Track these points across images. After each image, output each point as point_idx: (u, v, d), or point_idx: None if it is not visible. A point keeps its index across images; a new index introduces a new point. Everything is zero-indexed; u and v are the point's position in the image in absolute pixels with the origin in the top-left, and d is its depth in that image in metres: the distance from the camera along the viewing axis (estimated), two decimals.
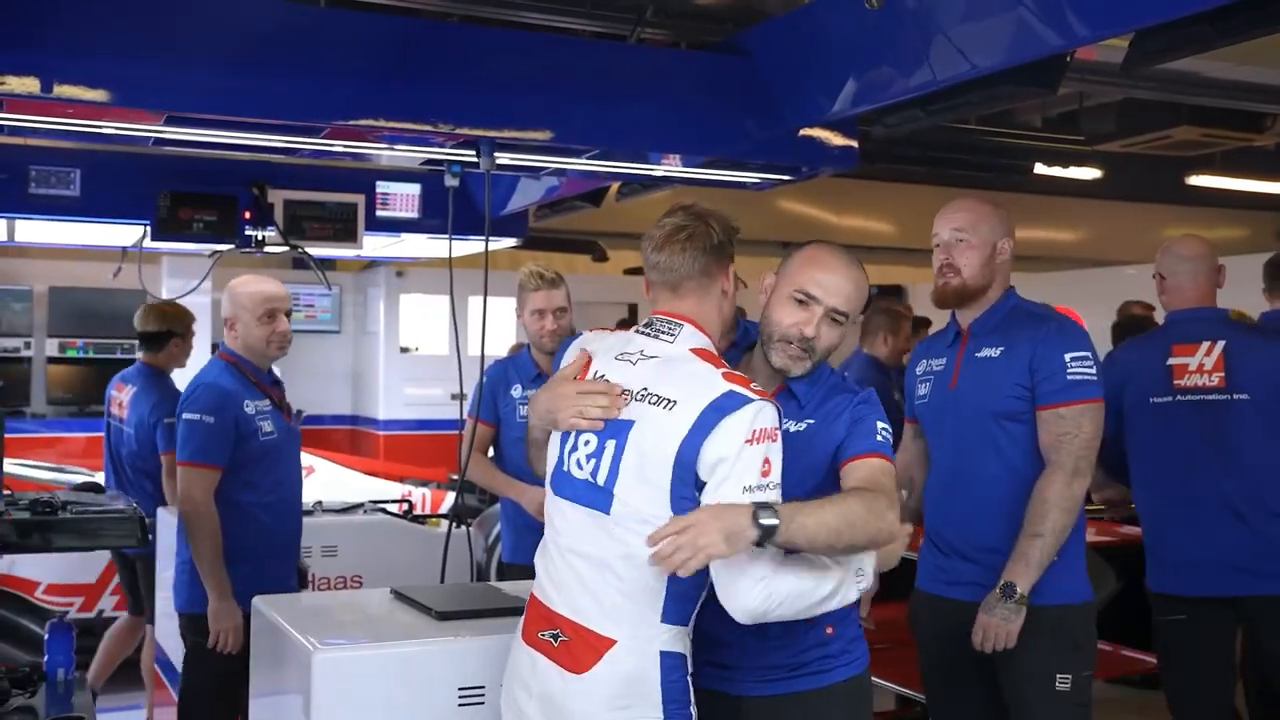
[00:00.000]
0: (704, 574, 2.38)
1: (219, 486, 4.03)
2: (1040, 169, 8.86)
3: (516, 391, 4.54)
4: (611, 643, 2.41)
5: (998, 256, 3.39)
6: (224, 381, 4.11)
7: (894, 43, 4.01)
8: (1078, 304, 8.97)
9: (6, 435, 4.15)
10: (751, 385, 2.42)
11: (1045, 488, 3.21)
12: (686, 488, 2.37)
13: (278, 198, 6.00)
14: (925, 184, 9.86)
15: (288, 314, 4.27)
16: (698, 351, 2.51)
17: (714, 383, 2.40)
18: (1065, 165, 8.75)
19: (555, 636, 2.47)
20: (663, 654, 2.42)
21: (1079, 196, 11.24)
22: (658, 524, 2.33)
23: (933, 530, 3.52)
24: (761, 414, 2.36)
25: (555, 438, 2.62)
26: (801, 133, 4.70)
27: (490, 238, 4.66)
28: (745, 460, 2.33)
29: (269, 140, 4.47)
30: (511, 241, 7.32)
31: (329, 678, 2.79)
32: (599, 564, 2.44)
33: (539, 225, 7.69)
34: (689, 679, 2.46)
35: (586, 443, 2.51)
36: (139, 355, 5.79)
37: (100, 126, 4.26)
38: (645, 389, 2.46)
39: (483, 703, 2.87)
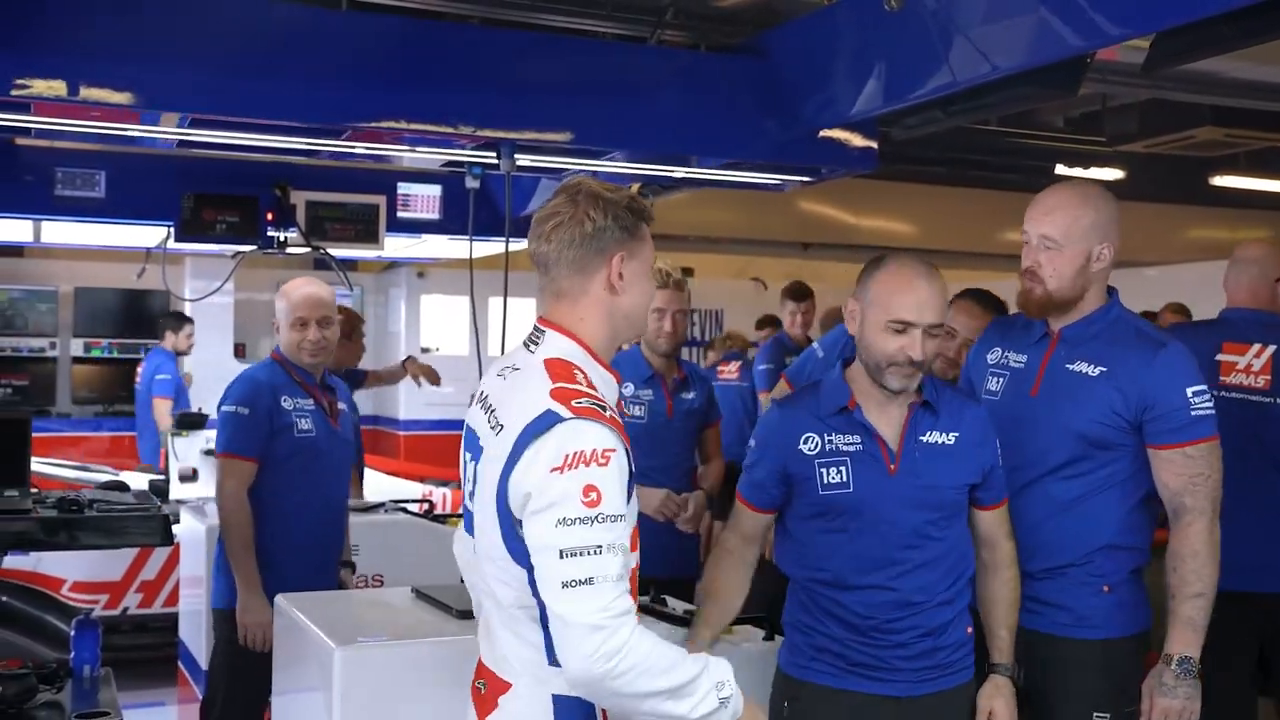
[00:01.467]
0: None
1: (256, 482, 3.99)
2: (1061, 170, 8.84)
3: (629, 390, 4.27)
4: (508, 686, 2.17)
5: (1094, 264, 2.92)
6: (263, 375, 4.08)
7: (913, 44, 4.01)
8: None
9: (33, 434, 4.21)
10: (573, 403, 2.05)
11: (1193, 539, 2.82)
12: (510, 528, 2.08)
13: (300, 199, 6.05)
14: (946, 184, 9.85)
15: (322, 322, 4.09)
16: (550, 363, 2.15)
17: (538, 400, 2.06)
18: (1086, 166, 8.72)
19: (482, 685, 2.24)
20: (555, 698, 2.12)
21: None
22: (501, 565, 2.11)
23: None
24: (578, 435, 2.01)
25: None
26: (821, 134, 4.71)
27: (511, 239, 4.68)
28: (558, 491, 1.99)
29: (291, 142, 4.51)
30: None
31: (351, 675, 2.81)
32: (494, 604, 2.19)
33: None
34: None
35: (472, 471, 2.23)
36: None
37: (125, 129, 4.30)
38: (494, 409, 2.16)
39: None
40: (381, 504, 5.57)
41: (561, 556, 1.98)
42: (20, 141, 5.58)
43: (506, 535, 2.08)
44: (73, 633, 3.61)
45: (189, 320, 9.34)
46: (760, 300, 11.64)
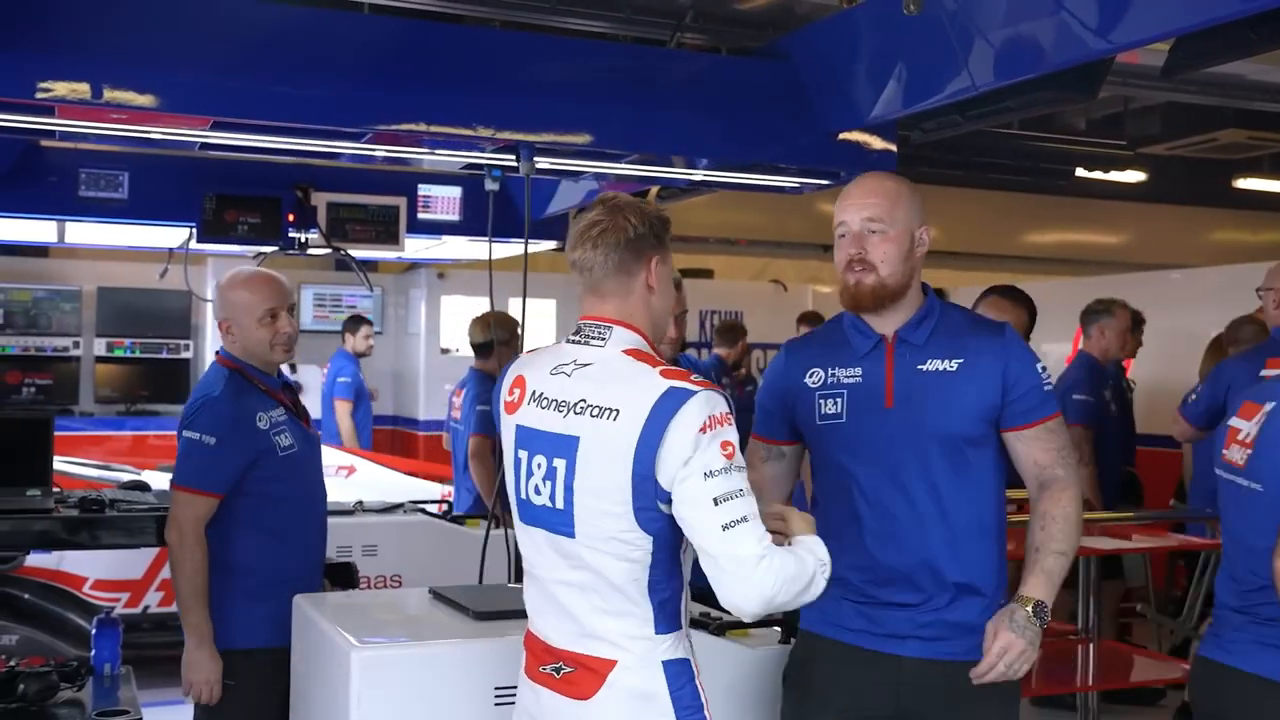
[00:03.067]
0: (680, 578, 2.38)
1: (239, 514, 3.54)
2: (1081, 173, 8.81)
3: None
4: (612, 664, 2.35)
5: (917, 248, 2.79)
6: (227, 395, 3.55)
7: (933, 48, 4.01)
8: None
9: (55, 433, 4.24)
10: (692, 377, 2.31)
11: (1066, 503, 2.75)
12: (648, 499, 2.28)
13: (321, 200, 6.07)
14: (966, 188, 9.83)
15: (291, 310, 3.71)
16: (631, 353, 2.39)
17: (653, 383, 2.29)
18: (1107, 169, 8.68)
19: (557, 669, 2.41)
20: (665, 664, 2.35)
21: (1123, 199, 11.15)
22: (625, 540, 2.30)
23: (859, 573, 2.78)
24: (711, 402, 2.27)
25: (509, 464, 2.50)
26: (840, 137, 4.71)
27: (530, 240, 4.69)
28: (704, 450, 2.23)
29: (312, 145, 4.53)
30: (552, 244, 7.36)
31: (367, 676, 2.82)
32: (579, 589, 2.37)
33: None
34: (697, 683, 2.39)
35: (538, 466, 2.40)
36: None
37: (148, 131, 4.33)
38: (584, 400, 2.34)
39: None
40: (401, 504, 5.60)
41: (716, 504, 2.22)
42: (45, 143, 5.62)
43: (640, 507, 2.28)
44: (93, 631, 3.63)
45: (367, 322, 9.68)
46: (780, 301, 11.62)
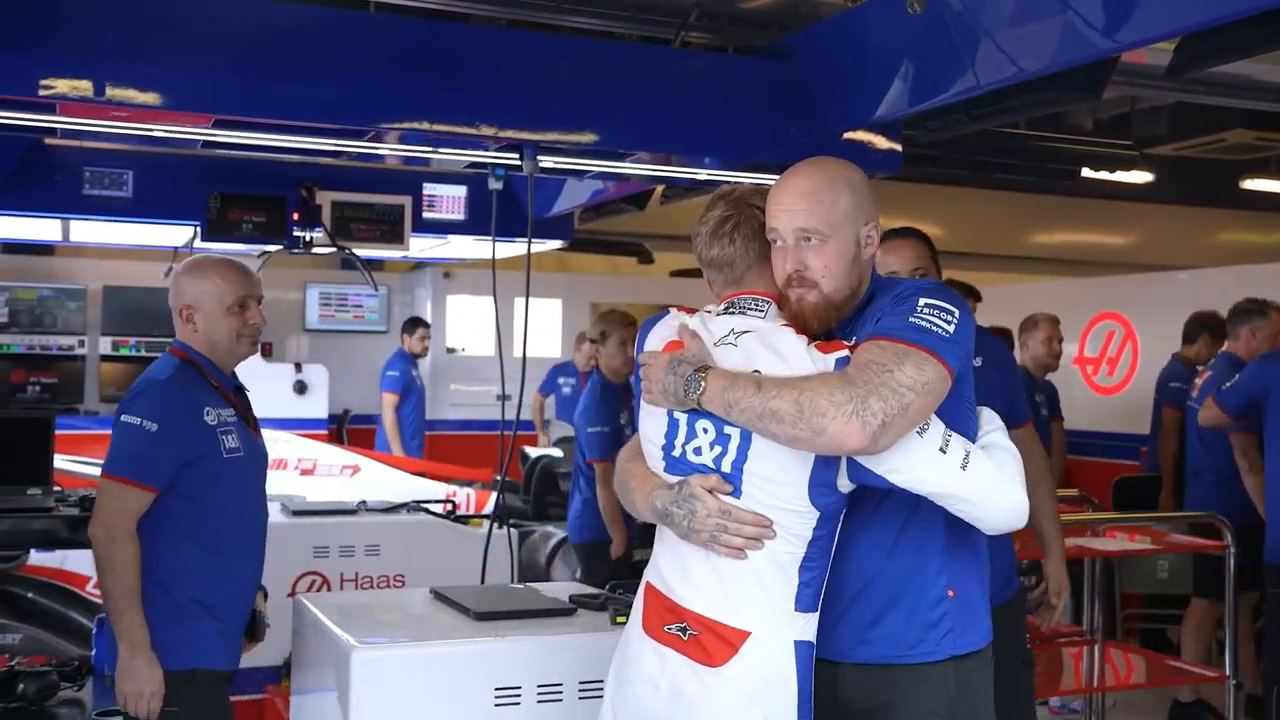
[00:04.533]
0: (829, 560, 2.35)
1: (168, 519, 3.20)
2: (1088, 173, 8.79)
3: None
4: (745, 635, 2.30)
5: (865, 250, 2.45)
6: (175, 383, 3.26)
7: (937, 47, 4.00)
8: (1129, 309, 8.91)
9: (59, 432, 4.24)
10: (846, 344, 2.32)
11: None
12: (828, 473, 2.28)
13: (325, 199, 6.07)
14: (972, 188, 9.81)
15: (259, 301, 3.44)
16: (790, 326, 2.39)
17: (819, 360, 2.29)
18: (1113, 169, 8.66)
19: (684, 630, 2.35)
20: (797, 644, 2.32)
21: (1130, 200, 11.13)
22: (797, 508, 2.30)
23: None
24: None
25: (656, 419, 2.46)
26: (845, 136, 4.70)
27: (535, 239, 4.69)
28: None
29: (316, 143, 4.52)
30: (557, 243, 7.36)
31: (368, 675, 2.81)
32: (729, 558, 2.32)
33: (584, 227, 7.73)
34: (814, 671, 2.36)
35: (705, 430, 2.36)
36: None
37: (151, 130, 4.33)
38: (757, 370, 2.31)
39: (519, 703, 2.89)
40: (404, 504, 5.59)
41: (944, 451, 2.25)
42: (49, 142, 5.63)
43: (817, 482, 2.28)
44: (95, 630, 3.63)
45: (424, 324, 9.84)
46: None
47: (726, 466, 2.34)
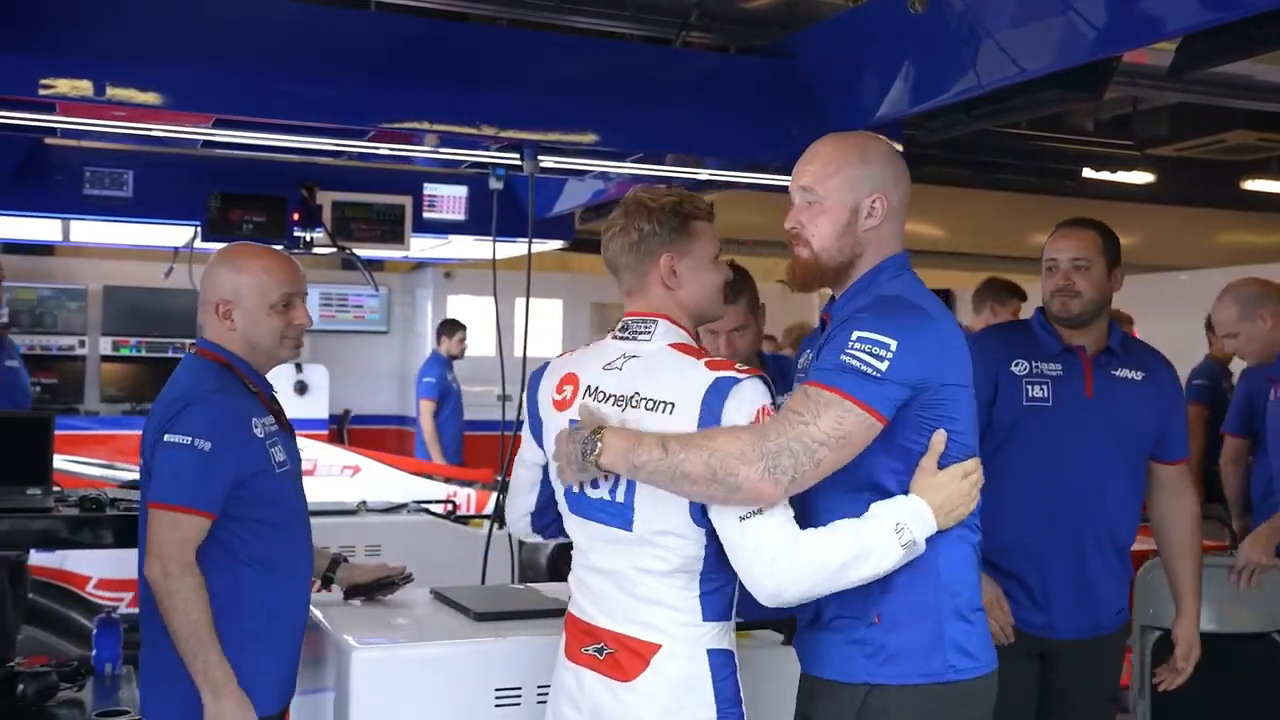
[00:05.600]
0: (732, 570, 2.35)
1: (218, 546, 2.82)
2: (1089, 173, 8.78)
3: None
4: (656, 648, 2.36)
5: (863, 221, 2.46)
6: (220, 393, 2.89)
7: (938, 47, 4.00)
8: (1131, 310, 8.89)
9: (59, 432, 4.23)
10: (736, 366, 2.34)
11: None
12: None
13: (326, 199, 6.06)
14: (973, 188, 9.81)
15: (304, 298, 3.07)
16: (676, 346, 2.43)
17: (701, 375, 2.33)
18: (1114, 170, 8.66)
19: (600, 650, 2.42)
20: (710, 653, 2.37)
21: (1131, 201, 11.12)
22: (681, 535, 2.33)
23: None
24: (755, 390, 2.30)
25: (552, 461, 2.52)
26: None
27: (536, 240, 4.68)
28: None
29: (317, 143, 4.52)
30: (557, 244, 7.35)
31: (367, 676, 2.81)
32: (629, 575, 2.40)
33: (585, 227, 7.71)
34: (737, 676, 2.41)
35: None
36: None
37: (151, 129, 4.32)
38: (637, 393, 2.39)
39: (519, 704, 2.89)
40: (405, 504, 5.59)
41: None
42: (49, 141, 5.62)
43: (694, 504, 2.30)
44: (95, 630, 3.63)
45: (462, 326, 9.70)
46: (788, 301, 11.59)
47: (620, 496, 2.40)
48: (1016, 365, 3.42)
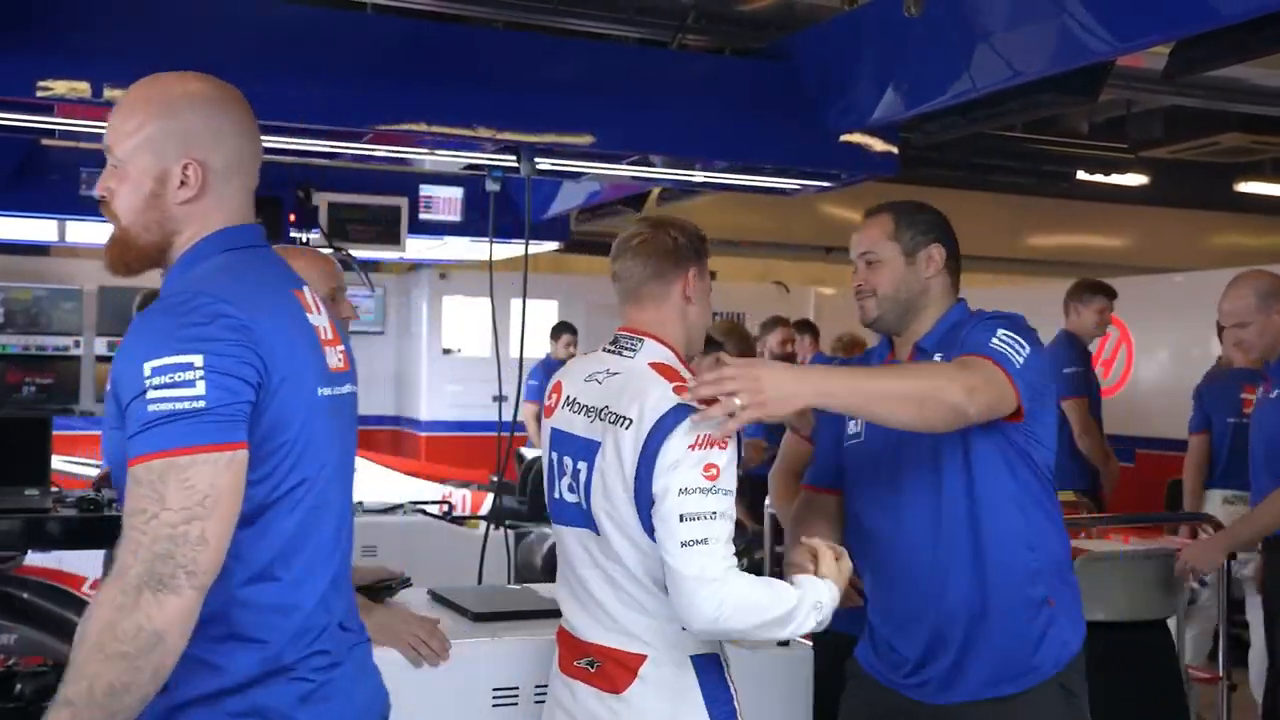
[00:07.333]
0: None
1: None
2: (1083, 176, 8.80)
3: None
4: (642, 658, 2.41)
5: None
6: None
7: (935, 50, 4.01)
8: (1125, 311, 8.91)
9: (55, 433, 4.24)
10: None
11: None
12: (645, 506, 2.33)
13: (322, 200, 6.08)
14: (968, 190, 9.81)
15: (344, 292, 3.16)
16: (656, 366, 2.46)
17: (665, 398, 2.35)
18: (1109, 172, 8.68)
19: (591, 663, 2.47)
20: (694, 659, 2.42)
21: (1126, 203, 11.14)
22: (639, 539, 2.35)
23: None
24: (704, 424, 2.28)
25: (545, 465, 2.61)
26: (842, 139, 4.71)
27: (531, 241, 4.69)
28: (685, 462, 2.27)
29: (313, 145, 4.52)
30: (553, 245, 7.37)
31: None
32: (609, 583, 2.44)
33: (581, 229, 7.73)
34: (726, 676, 2.46)
35: (568, 467, 2.51)
36: None
37: None
38: (607, 407, 2.44)
39: (516, 703, 2.90)
40: (401, 505, 5.59)
41: (680, 520, 2.26)
42: (46, 142, 5.62)
43: (643, 513, 2.33)
44: None
45: (570, 329, 9.50)
46: (782, 303, 11.61)
47: (583, 501, 2.46)
48: None
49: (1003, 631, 2.59)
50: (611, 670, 2.43)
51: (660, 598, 2.38)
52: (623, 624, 2.43)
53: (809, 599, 2.34)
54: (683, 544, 2.25)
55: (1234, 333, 4.40)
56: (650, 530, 2.33)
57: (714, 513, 2.28)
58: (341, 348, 2.12)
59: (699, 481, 2.27)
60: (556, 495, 2.54)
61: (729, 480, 2.31)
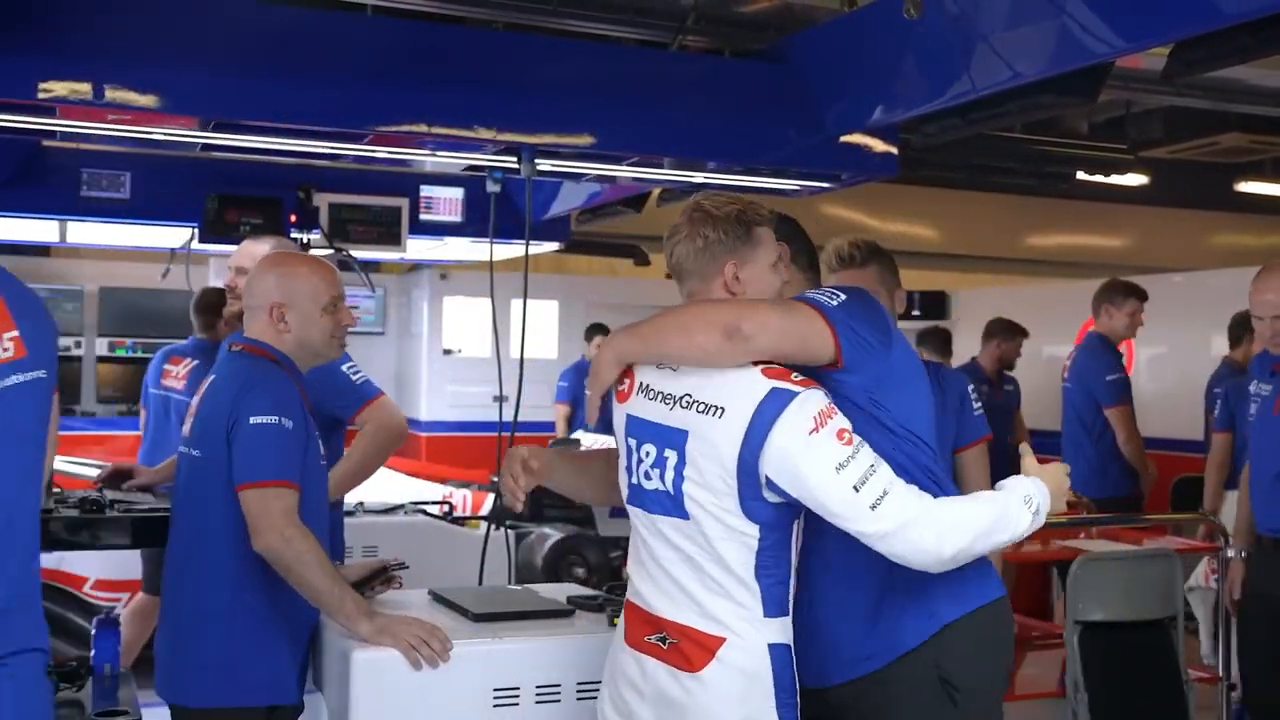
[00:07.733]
0: (788, 564, 2.47)
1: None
2: (1083, 176, 8.80)
3: None
4: (721, 640, 2.43)
5: None
6: (286, 380, 3.04)
7: (934, 51, 4.02)
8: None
9: (57, 433, 4.24)
10: (792, 377, 2.42)
11: None
12: (754, 489, 2.39)
13: (323, 201, 6.09)
14: (968, 190, 9.82)
15: (345, 299, 3.24)
16: None
17: (756, 383, 2.40)
18: (1108, 173, 8.67)
19: (663, 639, 2.49)
20: (771, 647, 2.45)
21: (1125, 203, 11.15)
22: (735, 524, 2.40)
23: None
24: (809, 401, 2.37)
25: (621, 450, 2.63)
26: (841, 140, 4.71)
27: (532, 241, 4.70)
28: (820, 447, 2.34)
29: (314, 146, 4.53)
30: (553, 245, 7.37)
31: (367, 677, 2.83)
32: (693, 568, 2.46)
33: (581, 229, 7.74)
34: (794, 669, 2.48)
35: (647, 454, 2.52)
36: None
37: (149, 132, 4.34)
38: (689, 395, 2.46)
39: (517, 704, 2.91)
40: (402, 505, 5.60)
41: (857, 490, 2.33)
42: (47, 143, 5.63)
43: (747, 498, 2.39)
44: (93, 631, 3.63)
45: (601, 331, 9.39)
46: None
47: (672, 489, 2.48)
48: None
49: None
50: (688, 649, 2.46)
51: (747, 584, 2.43)
52: (705, 607, 2.45)
53: (1015, 495, 2.45)
54: (871, 506, 2.33)
55: (1275, 323, 4.37)
56: (753, 513, 2.40)
57: (872, 465, 2.36)
58: (13, 334, 2.11)
59: (842, 451, 2.34)
60: (634, 481, 2.56)
61: (860, 438, 2.39)
